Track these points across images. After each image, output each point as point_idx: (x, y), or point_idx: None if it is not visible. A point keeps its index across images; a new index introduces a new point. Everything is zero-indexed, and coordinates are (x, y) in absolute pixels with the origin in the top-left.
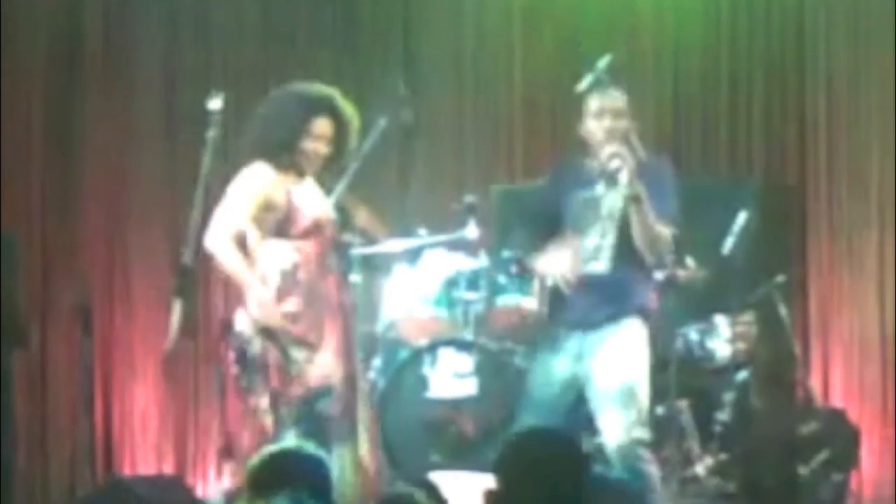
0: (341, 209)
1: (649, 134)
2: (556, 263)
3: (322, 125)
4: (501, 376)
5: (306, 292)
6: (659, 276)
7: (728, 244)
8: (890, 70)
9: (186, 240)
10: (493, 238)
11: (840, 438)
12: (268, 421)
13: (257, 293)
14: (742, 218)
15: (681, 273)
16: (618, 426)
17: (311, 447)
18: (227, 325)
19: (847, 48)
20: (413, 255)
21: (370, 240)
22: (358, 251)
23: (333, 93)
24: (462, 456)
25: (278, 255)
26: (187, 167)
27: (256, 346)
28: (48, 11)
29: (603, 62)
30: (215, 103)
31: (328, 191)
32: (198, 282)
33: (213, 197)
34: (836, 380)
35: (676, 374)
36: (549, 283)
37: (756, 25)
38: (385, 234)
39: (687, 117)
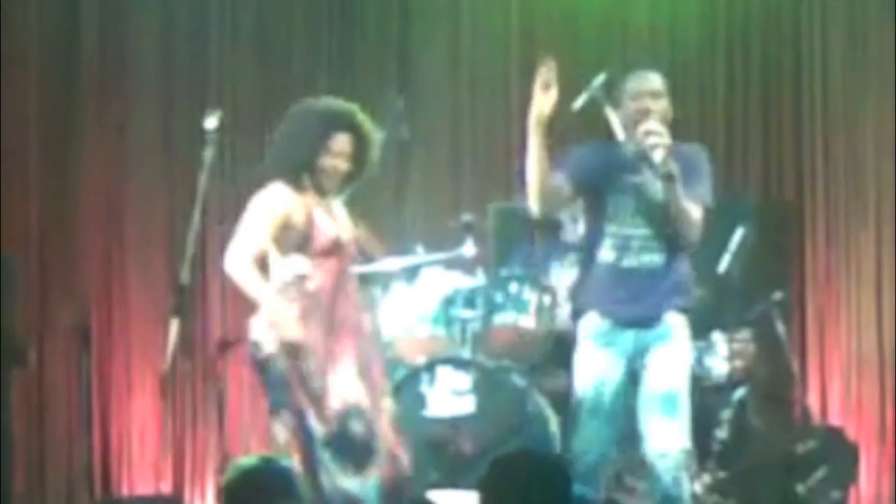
0: None
1: None
2: None
3: (342, 142)
4: (499, 394)
5: (326, 312)
6: None
7: (725, 261)
8: (887, 83)
9: (184, 258)
10: (491, 256)
11: (838, 456)
12: (289, 440)
13: (278, 312)
14: (739, 235)
15: None
16: (669, 433)
17: (281, 461)
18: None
19: (844, 60)
20: (410, 273)
21: (367, 258)
22: (355, 269)
23: (353, 108)
24: (460, 474)
25: (297, 274)
26: (184, 186)
27: (280, 364)
28: (42, 30)
29: (598, 80)
30: (211, 122)
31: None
32: (195, 300)
33: (209, 215)
34: (834, 397)
35: None
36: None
37: (752, 39)
38: (382, 251)
39: (683, 132)
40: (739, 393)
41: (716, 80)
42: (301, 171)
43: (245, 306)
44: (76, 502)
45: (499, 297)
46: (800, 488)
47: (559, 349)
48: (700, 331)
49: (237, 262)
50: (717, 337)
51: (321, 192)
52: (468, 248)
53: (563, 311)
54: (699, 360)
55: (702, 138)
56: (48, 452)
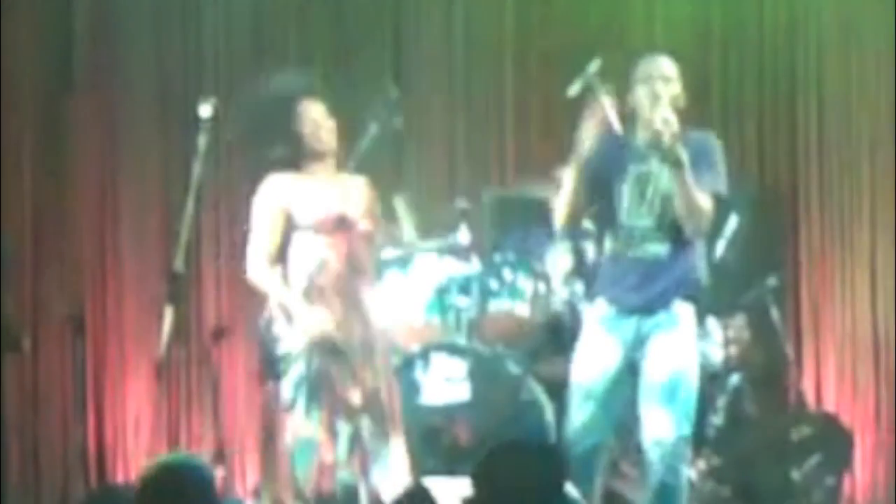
0: None
1: None
2: None
3: (308, 110)
4: (494, 381)
5: (341, 297)
6: None
7: (720, 248)
8: (882, 72)
9: (178, 246)
10: (486, 243)
11: (833, 442)
12: (322, 438)
13: (305, 312)
14: (734, 221)
15: None
16: (665, 422)
17: (197, 460)
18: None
19: (838, 49)
20: (405, 260)
21: (394, 240)
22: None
23: (299, 78)
24: (455, 461)
25: (321, 260)
26: (179, 173)
27: (315, 363)
28: (36, 18)
29: (593, 66)
30: (206, 110)
31: None
32: (190, 288)
33: (204, 203)
34: (829, 383)
35: None
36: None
37: (747, 32)
38: (407, 233)
39: (678, 122)
40: (734, 379)
41: (710, 68)
42: (285, 156)
43: (240, 294)
44: (71, 489)
45: (493, 285)
46: (795, 474)
47: (554, 336)
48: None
49: (255, 269)
50: (712, 323)
51: (320, 160)
52: (463, 235)
53: (558, 297)
54: None
55: (696, 125)
56: (42, 439)
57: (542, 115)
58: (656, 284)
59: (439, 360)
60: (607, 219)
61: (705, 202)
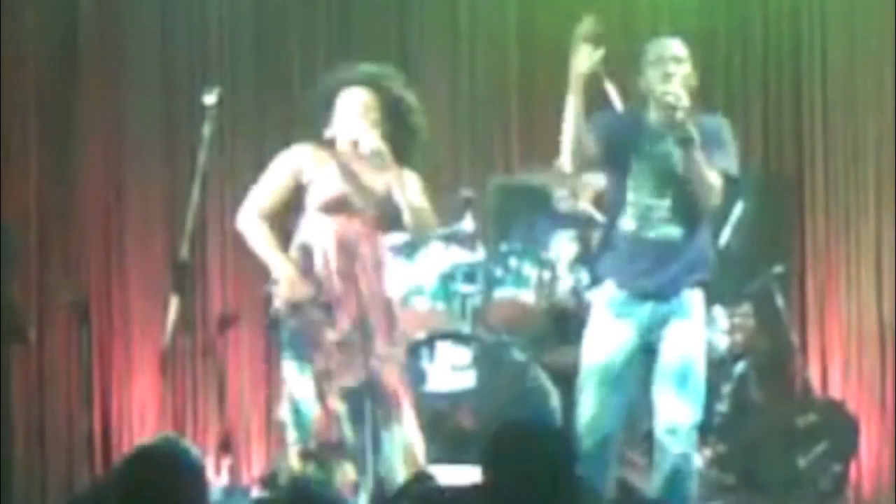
0: None
1: None
2: None
3: (353, 94)
4: (499, 369)
5: (338, 270)
6: None
7: (725, 235)
8: (886, 58)
9: (183, 235)
10: (490, 231)
11: (839, 429)
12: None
13: (283, 271)
14: (739, 209)
15: None
16: (681, 407)
17: (183, 444)
18: (227, 321)
19: (843, 36)
20: (410, 248)
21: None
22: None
23: (373, 67)
24: (460, 449)
25: (308, 232)
26: (184, 162)
27: (290, 325)
28: (41, 9)
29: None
30: (211, 98)
31: None
32: (195, 277)
33: (209, 192)
34: (835, 370)
35: None
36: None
37: (752, 15)
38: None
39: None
40: (740, 367)
41: (715, 55)
42: (315, 125)
43: (245, 283)
44: (76, 479)
45: (498, 272)
46: (800, 462)
47: (559, 323)
48: None
49: (245, 219)
50: (718, 311)
51: (351, 148)
52: (467, 223)
53: (563, 285)
54: None
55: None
56: (48, 430)
57: (546, 104)
58: (669, 269)
59: (444, 347)
60: (620, 199)
61: (715, 180)
